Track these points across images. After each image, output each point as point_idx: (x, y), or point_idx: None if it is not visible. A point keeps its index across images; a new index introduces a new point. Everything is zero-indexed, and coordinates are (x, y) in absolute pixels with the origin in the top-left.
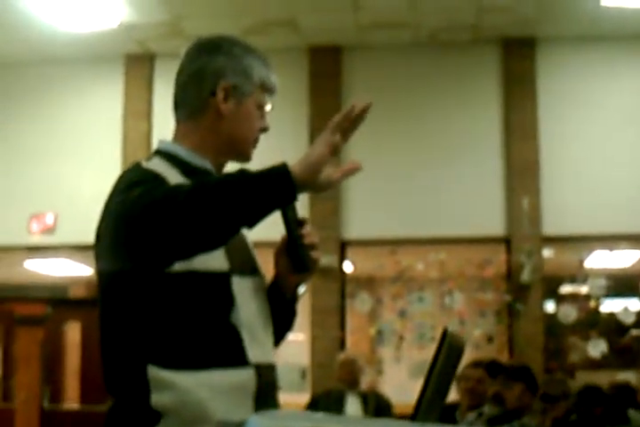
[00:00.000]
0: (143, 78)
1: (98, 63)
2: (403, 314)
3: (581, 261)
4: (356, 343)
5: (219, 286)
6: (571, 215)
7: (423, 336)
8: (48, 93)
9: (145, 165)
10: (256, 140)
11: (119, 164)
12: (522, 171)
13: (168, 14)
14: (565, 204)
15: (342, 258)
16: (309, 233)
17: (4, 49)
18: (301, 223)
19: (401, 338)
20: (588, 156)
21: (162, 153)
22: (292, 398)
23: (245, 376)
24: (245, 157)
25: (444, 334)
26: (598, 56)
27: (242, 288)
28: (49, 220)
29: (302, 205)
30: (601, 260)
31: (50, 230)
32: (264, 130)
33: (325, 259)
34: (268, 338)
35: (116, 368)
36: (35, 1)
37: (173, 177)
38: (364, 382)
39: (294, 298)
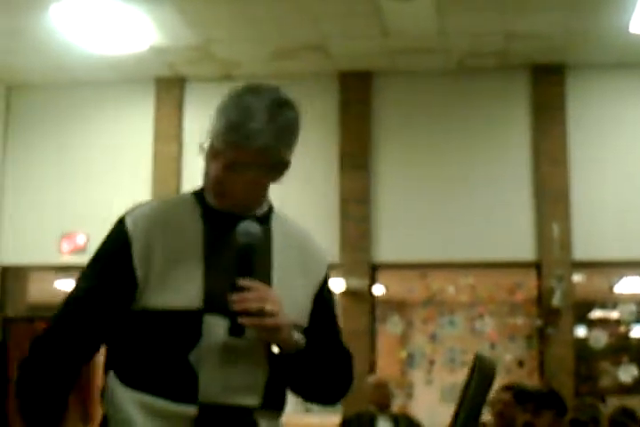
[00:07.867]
0: (174, 101)
1: (129, 86)
2: (433, 338)
3: (612, 287)
4: (386, 366)
5: (184, 323)
6: (601, 241)
7: (454, 360)
8: (79, 115)
9: (128, 218)
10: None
11: (150, 186)
12: (552, 196)
13: (198, 38)
14: (595, 229)
15: (373, 281)
16: (243, 299)
17: (35, 72)
18: (238, 289)
19: (431, 362)
20: (617, 181)
21: (198, 189)
22: (324, 419)
23: (181, 413)
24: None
25: (476, 358)
26: (627, 82)
27: (217, 328)
28: (80, 240)
29: (333, 228)
30: (631, 285)
31: (81, 251)
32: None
33: (356, 282)
34: (249, 381)
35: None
36: (66, 25)
37: (188, 218)
38: (395, 405)
39: (290, 354)
